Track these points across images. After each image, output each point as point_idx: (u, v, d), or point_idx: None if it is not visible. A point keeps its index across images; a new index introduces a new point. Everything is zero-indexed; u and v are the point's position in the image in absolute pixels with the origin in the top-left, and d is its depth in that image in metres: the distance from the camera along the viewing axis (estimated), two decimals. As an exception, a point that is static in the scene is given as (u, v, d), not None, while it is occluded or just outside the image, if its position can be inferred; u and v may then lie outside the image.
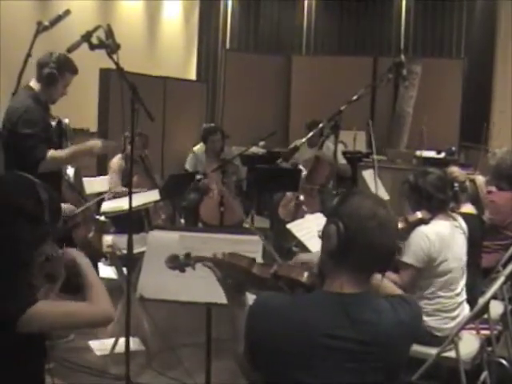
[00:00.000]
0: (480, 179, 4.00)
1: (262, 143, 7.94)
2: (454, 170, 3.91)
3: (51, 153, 3.67)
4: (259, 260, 2.45)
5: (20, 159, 3.62)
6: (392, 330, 1.71)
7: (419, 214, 3.20)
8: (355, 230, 1.71)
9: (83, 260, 2.16)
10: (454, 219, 3.29)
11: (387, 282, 3.13)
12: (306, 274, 1.84)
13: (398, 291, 3.13)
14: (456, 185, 3.53)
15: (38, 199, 1.96)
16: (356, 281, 1.73)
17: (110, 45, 3.23)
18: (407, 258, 3.14)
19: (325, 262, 1.78)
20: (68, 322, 2.00)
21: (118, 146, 3.88)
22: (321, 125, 4.27)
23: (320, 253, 1.81)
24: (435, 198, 3.21)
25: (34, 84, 3.75)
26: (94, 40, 3.25)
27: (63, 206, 4.38)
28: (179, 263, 2.11)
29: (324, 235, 1.78)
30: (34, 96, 3.71)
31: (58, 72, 3.70)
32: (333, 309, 1.69)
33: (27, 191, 1.97)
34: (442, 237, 3.15)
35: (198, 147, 6.52)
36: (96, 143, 3.81)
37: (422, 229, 3.16)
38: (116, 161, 5.64)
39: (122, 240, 3.81)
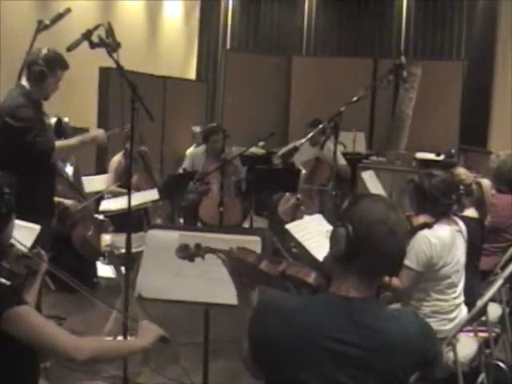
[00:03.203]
0: (486, 182, 3.95)
1: (261, 143, 7.94)
2: (461, 172, 3.83)
3: (57, 143, 3.71)
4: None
5: (21, 153, 3.58)
6: (395, 339, 1.67)
7: (423, 218, 3.17)
8: (365, 235, 1.67)
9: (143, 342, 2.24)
10: (456, 224, 3.28)
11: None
12: (313, 275, 1.84)
13: (396, 282, 3.09)
14: (461, 188, 3.48)
15: None
16: (363, 286, 1.70)
17: (110, 43, 3.23)
18: (408, 261, 3.11)
19: (332, 265, 1.76)
20: (43, 340, 1.89)
21: (119, 131, 3.96)
22: (321, 126, 4.28)
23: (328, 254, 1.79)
24: (440, 203, 3.18)
25: (25, 82, 3.69)
26: (95, 38, 3.24)
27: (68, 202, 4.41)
28: (189, 253, 2.09)
29: (333, 238, 1.73)
30: (26, 94, 3.66)
31: (47, 69, 3.62)
32: (338, 313, 1.67)
33: None
34: (444, 241, 3.13)
35: (191, 149, 6.46)
36: (99, 132, 3.87)
37: (424, 232, 3.14)
38: (116, 159, 5.63)
39: (120, 239, 3.81)
